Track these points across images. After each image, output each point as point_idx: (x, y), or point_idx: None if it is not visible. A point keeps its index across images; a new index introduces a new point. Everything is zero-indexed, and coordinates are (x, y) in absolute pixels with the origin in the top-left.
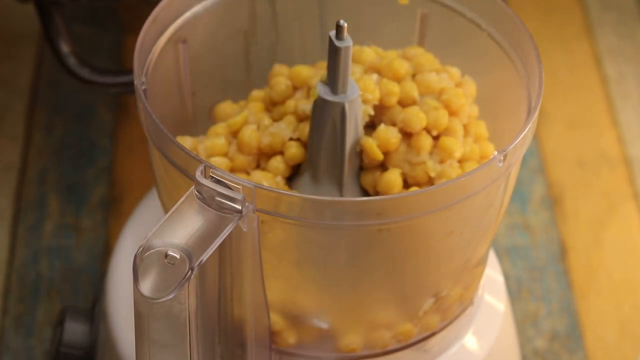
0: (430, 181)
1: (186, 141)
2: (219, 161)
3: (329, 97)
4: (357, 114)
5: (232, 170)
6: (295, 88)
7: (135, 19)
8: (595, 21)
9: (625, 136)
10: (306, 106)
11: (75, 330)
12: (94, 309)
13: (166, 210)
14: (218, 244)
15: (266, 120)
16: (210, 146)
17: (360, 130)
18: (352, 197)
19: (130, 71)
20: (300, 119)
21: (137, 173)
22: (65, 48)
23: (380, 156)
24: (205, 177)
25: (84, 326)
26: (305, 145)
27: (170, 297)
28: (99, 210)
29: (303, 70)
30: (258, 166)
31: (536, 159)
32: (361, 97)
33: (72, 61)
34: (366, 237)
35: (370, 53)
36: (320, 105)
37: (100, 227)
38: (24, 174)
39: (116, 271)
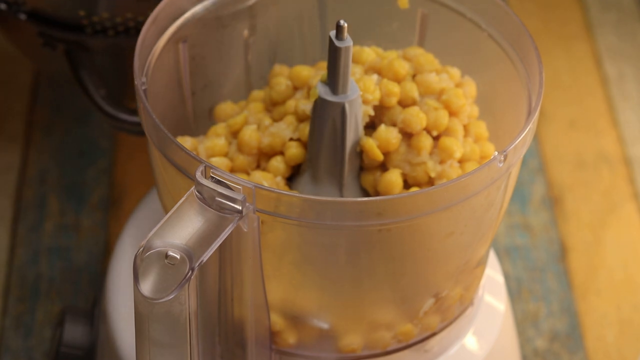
0: (431, 181)
1: (186, 141)
2: (219, 161)
3: (329, 97)
4: (357, 114)
5: (232, 170)
6: (295, 88)
7: None
8: (595, 21)
9: (625, 136)
10: (306, 106)
11: (75, 331)
12: (94, 309)
13: (166, 211)
14: (218, 244)
15: (266, 121)
16: (211, 146)
17: (361, 130)
18: (352, 198)
19: None
20: (300, 119)
21: (137, 173)
22: (97, 91)
23: (380, 156)
24: (205, 178)
25: (84, 326)
26: (305, 145)
27: (171, 297)
28: (99, 210)
29: (303, 70)
30: (258, 166)
31: (536, 159)
32: (361, 98)
33: (105, 104)
34: (366, 237)
35: (370, 53)
36: (320, 105)
37: (100, 227)
38: (24, 174)
39: (116, 271)
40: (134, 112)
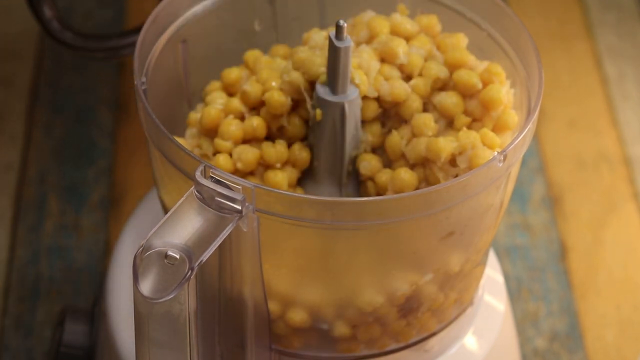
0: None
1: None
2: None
3: (329, 97)
4: (357, 114)
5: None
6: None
7: None
8: (595, 21)
9: (625, 136)
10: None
11: (75, 331)
12: (94, 309)
13: (166, 211)
14: (218, 244)
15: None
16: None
17: (360, 130)
18: (352, 197)
19: (116, 35)
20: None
21: (137, 173)
22: (48, 12)
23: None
24: (205, 177)
25: (84, 326)
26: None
27: (170, 297)
28: (99, 210)
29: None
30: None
31: (536, 159)
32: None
33: (55, 25)
34: (366, 237)
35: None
36: (319, 105)
37: (100, 227)
38: (24, 174)
39: (116, 271)
40: (84, 36)
